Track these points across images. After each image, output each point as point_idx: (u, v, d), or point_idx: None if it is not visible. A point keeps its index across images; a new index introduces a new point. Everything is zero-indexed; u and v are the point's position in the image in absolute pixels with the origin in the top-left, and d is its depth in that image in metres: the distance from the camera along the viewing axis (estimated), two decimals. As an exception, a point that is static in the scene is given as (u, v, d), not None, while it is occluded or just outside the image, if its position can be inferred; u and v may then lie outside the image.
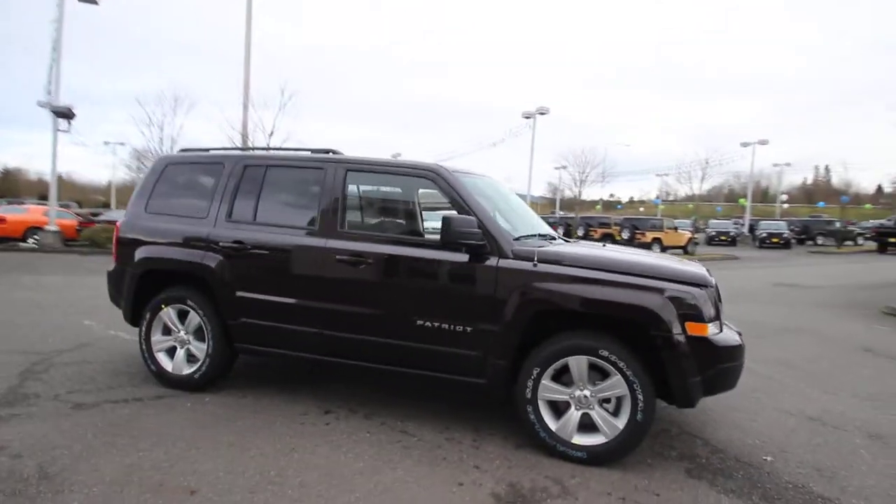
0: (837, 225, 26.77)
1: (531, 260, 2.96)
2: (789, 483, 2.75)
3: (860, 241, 27.94)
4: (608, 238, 23.30)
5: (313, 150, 3.76)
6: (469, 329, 3.04)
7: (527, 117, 25.86)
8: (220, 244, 3.56)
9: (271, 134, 17.89)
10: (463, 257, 3.08)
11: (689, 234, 23.69)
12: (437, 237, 3.11)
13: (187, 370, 3.70)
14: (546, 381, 2.92)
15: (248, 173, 3.67)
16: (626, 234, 24.80)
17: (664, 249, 20.53)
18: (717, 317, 2.90)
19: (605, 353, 2.79)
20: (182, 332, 3.72)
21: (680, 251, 21.48)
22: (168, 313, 3.72)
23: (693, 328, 2.74)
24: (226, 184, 3.68)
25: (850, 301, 9.72)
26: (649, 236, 22.58)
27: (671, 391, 2.79)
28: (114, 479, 2.50)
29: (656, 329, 2.73)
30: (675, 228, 24.26)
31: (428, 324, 3.11)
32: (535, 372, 2.92)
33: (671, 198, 62.18)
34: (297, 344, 3.45)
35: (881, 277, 13.61)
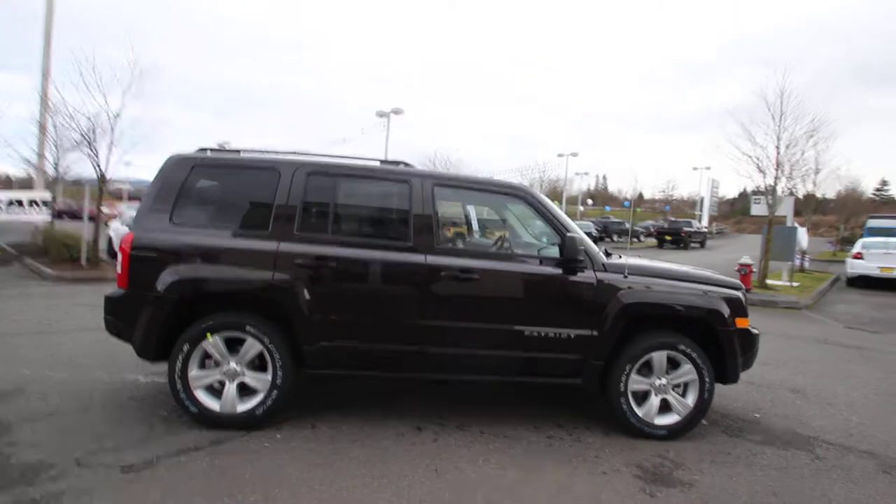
0: (627, 225, 33.28)
1: (622, 272, 3.44)
2: (777, 428, 3.79)
3: (642, 238, 35.24)
4: None
5: (383, 161, 3.61)
6: (572, 335, 3.37)
7: (381, 116, 26.07)
8: (296, 261, 3.19)
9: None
10: (556, 271, 3.39)
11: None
12: (543, 252, 3.39)
13: (243, 406, 3.22)
14: (634, 375, 3.44)
15: (314, 182, 3.34)
16: None
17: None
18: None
19: (682, 347, 3.43)
20: (233, 364, 3.21)
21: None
22: (215, 343, 3.17)
23: (740, 322, 3.55)
24: (288, 193, 3.28)
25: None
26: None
27: (725, 373, 3.57)
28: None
29: (720, 325, 3.47)
30: None
31: (534, 333, 3.34)
32: (627, 368, 3.41)
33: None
34: (392, 364, 3.31)
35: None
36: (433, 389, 4.05)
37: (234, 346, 3.22)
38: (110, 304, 3.25)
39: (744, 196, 51.81)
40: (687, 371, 3.47)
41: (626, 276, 3.43)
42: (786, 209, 13.94)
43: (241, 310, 3.22)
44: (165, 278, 3.12)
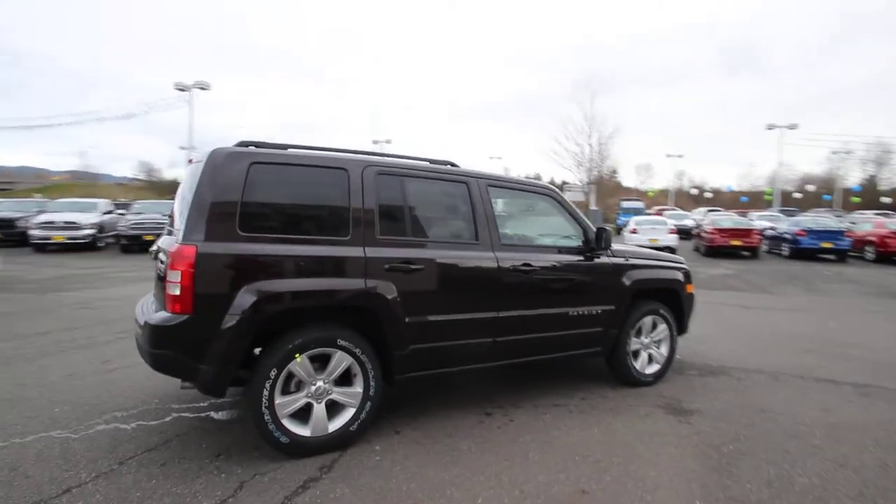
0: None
1: (624, 257, 4.23)
2: (698, 364, 5.16)
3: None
4: None
5: (432, 161, 3.65)
6: (599, 311, 4.03)
7: (181, 90, 22.47)
8: (385, 266, 3.08)
9: None
10: (585, 258, 4.00)
11: None
12: (570, 243, 3.94)
13: (334, 426, 3.01)
14: (633, 337, 4.29)
15: (383, 183, 3.24)
16: None
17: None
18: None
19: (662, 312, 4.42)
20: (321, 382, 2.97)
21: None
22: (302, 363, 2.88)
23: (689, 288, 4.71)
24: (362, 194, 3.12)
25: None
26: None
27: (681, 326, 4.68)
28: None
29: (682, 291, 4.56)
30: None
31: (576, 312, 3.89)
32: (630, 332, 4.24)
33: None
34: (467, 357, 3.47)
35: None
36: (470, 378, 4.24)
37: (321, 363, 2.97)
38: (166, 334, 2.64)
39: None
40: (663, 329, 4.48)
41: (627, 260, 4.24)
42: (591, 196, 17.32)
43: (334, 323, 2.97)
44: (246, 296, 2.70)
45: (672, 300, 4.56)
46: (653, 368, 4.45)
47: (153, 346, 2.68)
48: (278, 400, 2.83)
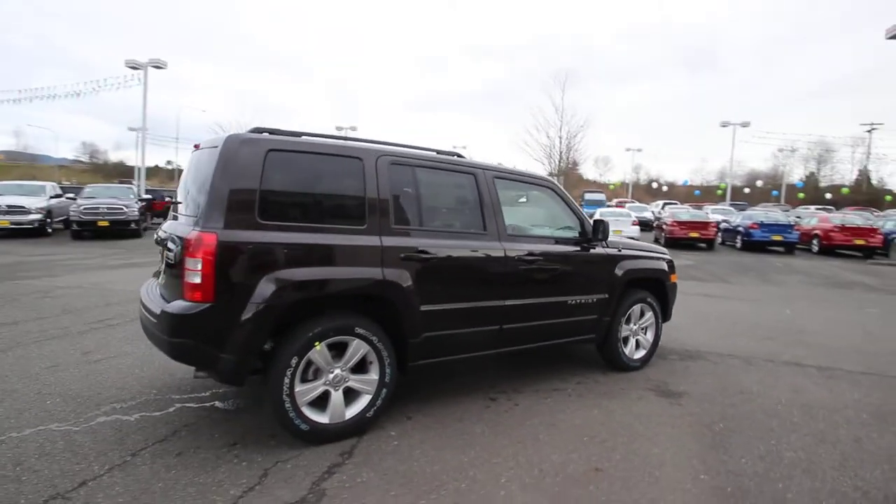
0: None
1: (617, 248, 4.41)
2: (677, 350, 5.46)
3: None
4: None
5: (439, 151, 3.68)
6: (595, 299, 4.20)
7: (134, 68, 21.26)
8: (401, 255, 3.11)
9: None
10: (584, 248, 4.15)
11: None
12: (568, 234, 4.07)
13: (351, 412, 3.04)
14: (624, 325, 4.50)
15: (396, 173, 3.26)
16: None
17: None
18: None
19: (649, 300, 4.65)
20: (339, 370, 2.99)
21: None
22: (321, 351, 2.90)
23: (673, 278, 4.96)
24: (377, 184, 3.13)
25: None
26: None
27: (666, 314, 4.93)
28: None
29: (667, 280, 4.80)
30: None
31: (574, 301, 4.05)
32: (622, 320, 4.45)
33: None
34: (475, 344, 3.56)
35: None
36: (470, 365, 4.32)
37: (339, 351, 2.99)
38: (186, 323, 2.58)
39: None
40: (649, 317, 4.71)
41: (620, 251, 4.42)
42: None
43: (351, 311, 2.99)
44: (269, 284, 2.68)
45: (658, 289, 4.80)
46: (640, 354, 4.68)
47: (172, 334, 2.63)
48: (298, 388, 2.84)
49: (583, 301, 4.12)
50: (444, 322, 3.34)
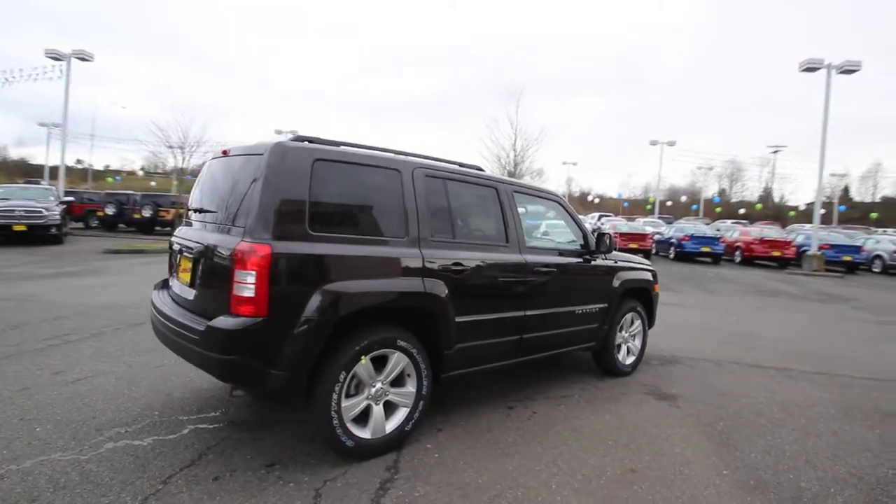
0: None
1: (614, 260, 4.67)
2: (654, 356, 5.83)
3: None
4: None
5: (461, 164, 3.74)
6: (597, 309, 4.41)
7: (55, 58, 19.35)
8: (439, 268, 3.13)
9: None
10: (588, 259, 4.36)
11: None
12: (574, 246, 4.27)
13: (391, 426, 3.01)
14: (618, 333, 4.76)
15: (430, 185, 3.29)
16: (147, 213, 21.56)
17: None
18: None
19: (639, 309, 4.95)
20: (380, 384, 2.95)
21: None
22: (366, 365, 2.85)
23: (656, 288, 5.30)
24: (414, 196, 3.14)
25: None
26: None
27: (651, 321, 5.26)
28: None
29: (652, 290, 5.13)
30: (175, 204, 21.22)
31: (581, 310, 4.23)
32: (617, 328, 4.70)
33: (160, 170, 58.83)
34: (498, 355, 3.63)
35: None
36: (481, 376, 4.35)
37: (381, 364, 2.96)
38: (237, 339, 2.45)
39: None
40: (638, 325, 5.01)
41: (616, 263, 4.68)
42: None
43: (393, 324, 2.96)
44: (322, 297, 2.61)
45: (645, 298, 5.11)
46: (630, 360, 4.95)
47: (222, 351, 2.48)
48: (344, 403, 2.77)
49: (587, 310, 4.32)
50: (475, 333, 3.38)
